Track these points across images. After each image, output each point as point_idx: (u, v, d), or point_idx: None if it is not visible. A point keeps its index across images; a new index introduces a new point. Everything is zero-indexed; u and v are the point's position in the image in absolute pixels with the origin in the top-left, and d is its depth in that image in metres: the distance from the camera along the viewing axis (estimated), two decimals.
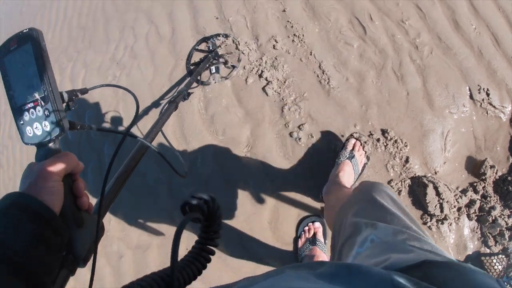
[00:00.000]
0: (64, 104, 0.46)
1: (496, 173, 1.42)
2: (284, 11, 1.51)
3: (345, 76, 1.42)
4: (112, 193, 0.55)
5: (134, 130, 1.50)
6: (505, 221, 1.34)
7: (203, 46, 1.60)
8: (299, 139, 1.36)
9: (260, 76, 1.44)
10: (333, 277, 0.34)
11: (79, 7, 2.06)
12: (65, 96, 0.46)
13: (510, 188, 1.38)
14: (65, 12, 2.12)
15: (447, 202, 1.29)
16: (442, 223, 1.31)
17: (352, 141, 1.22)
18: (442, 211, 1.29)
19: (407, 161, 1.34)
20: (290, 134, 1.38)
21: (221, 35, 1.60)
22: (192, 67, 1.61)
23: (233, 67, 1.53)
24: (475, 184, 1.40)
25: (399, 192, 1.33)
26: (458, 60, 1.48)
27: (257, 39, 1.48)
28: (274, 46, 1.47)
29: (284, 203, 1.33)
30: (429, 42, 1.49)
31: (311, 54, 1.45)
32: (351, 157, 1.17)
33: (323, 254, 1.20)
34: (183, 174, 0.79)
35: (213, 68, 1.55)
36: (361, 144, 1.23)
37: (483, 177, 1.40)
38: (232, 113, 1.42)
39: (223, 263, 1.33)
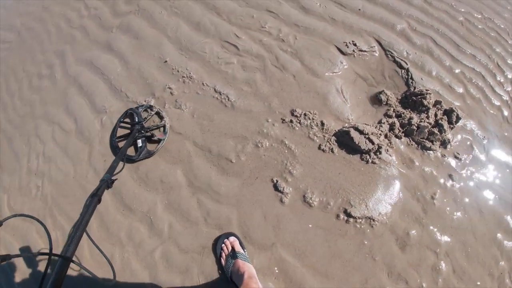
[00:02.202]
0: None
1: (396, 95, 1.62)
2: (165, 62, 1.69)
3: (239, 88, 1.59)
4: None
5: None
6: (427, 123, 1.50)
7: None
8: (232, 161, 1.45)
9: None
10: None
11: None
12: None
13: (414, 98, 1.58)
14: None
15: (372, 134, 1.43)
16: (380, 152, 1.43)
17: None
18: (373, 143, 1.42)
19: (322, 124, 1.48)
20: (217, 155, 1.45)
21: (144, 107, 1.56)
22: (118, 141, 1.52)
23: (160, 140, 1.49)
24: (386, 112, 1.57)
25: (332, 150, 1.44)
26: (318, 33, 1.76)
27: (153, 94, 1.62)
28: (171, 92, 1.61)
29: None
30: (290, 31, 1.76)
31: (203, 84, 1.61)
32: None
33: (247, 264, 1.21)
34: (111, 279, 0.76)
35: (139, 142, 1.46)
36: None
37: (388, 103, 1.58)
38: (160, 165, 1.47)
39: None
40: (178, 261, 1.33)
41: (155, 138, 1.50)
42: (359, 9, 1.87)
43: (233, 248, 1.25)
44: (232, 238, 1.28)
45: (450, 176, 1.48)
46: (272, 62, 1.64)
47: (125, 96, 1.62)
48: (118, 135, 1.55)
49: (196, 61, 1.68)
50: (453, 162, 1.51)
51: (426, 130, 1.50)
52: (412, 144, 1.52)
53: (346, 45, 1.71)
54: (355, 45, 1.72)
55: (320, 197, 1.37)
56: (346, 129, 1.44)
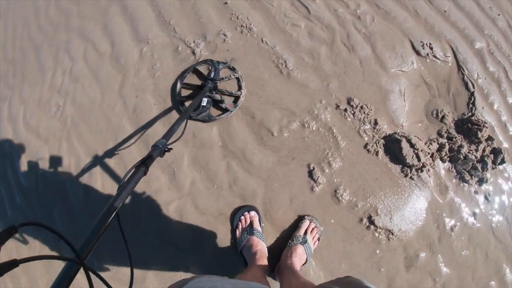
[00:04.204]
0: None
1: (453, 114, 1.52)
2: (226, 3, 1.48)
3: (300, 56, 1.43)
4: None
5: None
6: (474, 156, 1.43)
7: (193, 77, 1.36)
8: (273, 133, 1.34)
9: None
10: None
11: (2, 41, 1.85)
12: None
13: (470, 125, 1.48)
14: None
15: (421, 151, 1.35)
16: (422, 171, 1.36)
17: (306, 222, 1.23)
18: (419, 160, 1.35)
19: (376, 123, 1.38)
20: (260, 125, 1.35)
21: (226, 65, 1.38)
22: (183, 98, 1.33)
23: (227, 110, 1.31)
24: (439, 130, 1.48)
25: (377, 153, 1.36)
26: (398, 22, 1.56)
27: (205, 36, 1.43)
28: (224, 40, 1.43)
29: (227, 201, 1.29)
30: (369, 10, 1.56)
31: (262, 41, 1.44)
32: (304, 242, 1.18)
33: (261, 242, 1.18)
34: None
35: (204, 100, 1.27)
36: (315, 226, 1.23)
37: (443, 120, 1.49)
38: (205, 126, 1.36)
39: None
40: (192, 219, 1.29)
41: (223, 106, 1.32)
42: (445, 11, 1.66)
43: (251, 223, 1.22)
44: (253, 213, 1.24)
45: (474, 214, 1.45)
46: (342, 38, 1.47)
47: (173, 31, 1.43)
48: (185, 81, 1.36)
49: (260, 12, 1.48)
50: (481, 201, 1.47)
51: (471, 163, 1.43)
52: (452, 172, 1.46)
53: (423, 45, 1.54)
54: (431, 48, 1.55)
55: (350, 196, 1.32)
56: (398, 137, 1.35)
